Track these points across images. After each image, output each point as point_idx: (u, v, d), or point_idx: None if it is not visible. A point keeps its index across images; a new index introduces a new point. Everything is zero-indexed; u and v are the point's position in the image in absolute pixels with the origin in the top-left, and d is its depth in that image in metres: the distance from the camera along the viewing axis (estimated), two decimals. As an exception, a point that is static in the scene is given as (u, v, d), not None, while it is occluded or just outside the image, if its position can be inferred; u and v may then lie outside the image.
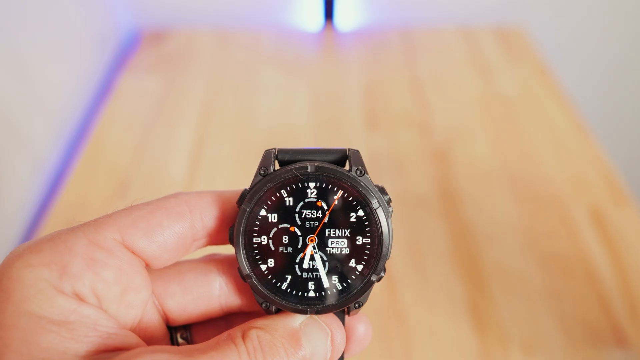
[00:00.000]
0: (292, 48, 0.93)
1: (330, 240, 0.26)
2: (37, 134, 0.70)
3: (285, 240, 0.26)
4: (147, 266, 0.26)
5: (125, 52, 0.94)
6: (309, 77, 0.87)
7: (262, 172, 0.27)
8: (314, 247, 0.26)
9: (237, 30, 0.97)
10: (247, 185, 0.27)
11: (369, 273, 0.26)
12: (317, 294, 0.26)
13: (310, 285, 0.26)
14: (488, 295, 0.57)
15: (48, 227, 0.64)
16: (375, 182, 0.27)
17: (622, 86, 1.12)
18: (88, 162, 0.72)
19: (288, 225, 0.26)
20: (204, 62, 0.90)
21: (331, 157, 0.27)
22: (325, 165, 0.26)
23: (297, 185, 0.26)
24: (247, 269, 0.26)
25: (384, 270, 0.27)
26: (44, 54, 0.72)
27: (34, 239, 0.24)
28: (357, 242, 0.26)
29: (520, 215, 0.65)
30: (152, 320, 0.27)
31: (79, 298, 0.23)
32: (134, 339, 0.24)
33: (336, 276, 0.27)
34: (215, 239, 0.27)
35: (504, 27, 0.98)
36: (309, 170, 0.26)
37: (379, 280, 0.26)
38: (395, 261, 0.60)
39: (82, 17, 0.84)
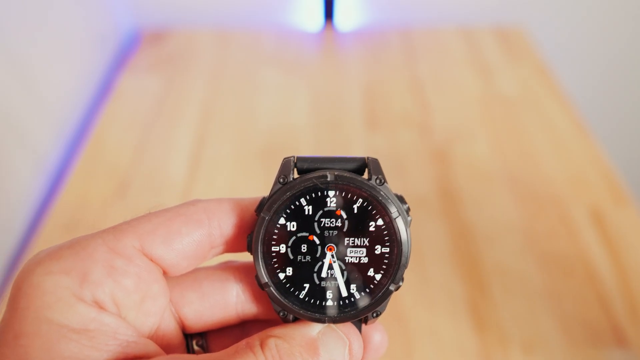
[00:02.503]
0: (292, 48, 0.93)
1: (349, 249, 0.26)
2: (37, 134, 0.70)
3: (304, 249, 0.26)
4: (165, 274, 0.26)
5: (125, 52, 0.94)
6: (309, 77, 0.87)
7: (281, 180, 0.26)
8: (332, 256, 0.26)
9: (237, 30, 0.97)
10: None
11: (387, 282, 0.26)
12: (335, 302, 0.26)
13: (328, 294, 0.26)
14: (488, 295, 0.57)
15: (48, 227, 0.64)
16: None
17: (622, 86, 1.12)
18: (88, 162, 0.72)
19: (307, 234, 0.26)
20: (204, 62, 0.90)
21: (350, 166, 0.27)
22: (345, 174, 0.26)
23: (316, 194, 0.26)
24: (265, 278, 0.26)
25: (402, 280, 0.26)
26: (44, 54, 0.72)
27: (53, 246, 0.24)
28: (376, 251, 0.26)
29: (520, 215, 0.65)
30: (169, 327, 0.27)
31: (99, 306, 0.23)
32: (152, 347, 0.24)
33: (354, 285, 0.26)
34: (232, 246, 0.27)
35: (504, 27, 0.98)
36: (328, 179, 0.26)
37: (397, 289, 0.26)
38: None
39: (82, 17, 0.84)
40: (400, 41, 0.95)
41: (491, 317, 0.55)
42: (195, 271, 0.28)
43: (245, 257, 0.28)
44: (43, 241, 0.62)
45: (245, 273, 0.28)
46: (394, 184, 0.69)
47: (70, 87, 0.79)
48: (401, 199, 0.27)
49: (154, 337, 0.26)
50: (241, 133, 0.77)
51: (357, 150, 0.74)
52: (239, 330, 0.29)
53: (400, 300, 0.57)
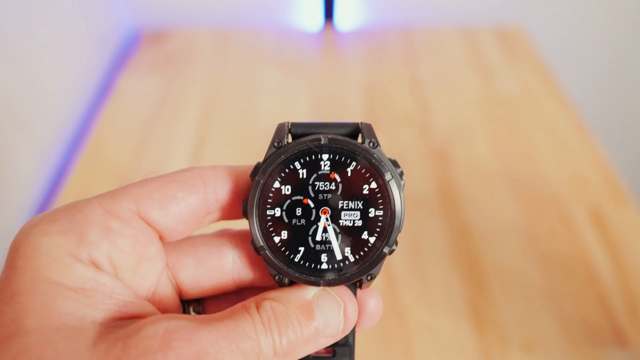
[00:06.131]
0: (292, 48, 0.93)
1: (343, 213, 0.26)
2: (37, 134, 0.70)
3: (299, 213, 0.26)
4: (161, 239, 0.26)
5: (125, 52, 0.94)
6: (309, 77, 0.87)
7: (275, 144, 0.26)
8: (327, 219, 0.26)
9: (237, 30, 0.97)
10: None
11: (381, 245, 0.26)
12: (330, 266, 0.26)
13: (323, 257, 0.26)
14: (488, 295, 0.57)
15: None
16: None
17: (622, 86, 1.12)
18: (88, 162, 0.72)
19: (301, 197, 0.26)
20: (204, 62, 0.90)
21: (344, 131, 0.27)
22: (339, 137, 0.26)
23: (310, 157, 0.26)
24: (260, 241, 0.26)
25: (396, 243, 0.26)
26: (44, 54, 0.72)
27: (50, 210, 0.24)
28: (370, 215, 0.26)
29: (520, 215, 0.65)
30: (166, 292, 0.27)
31: (96, 266, 0.23)
32: (149, 307, 0.24)
33: (349, 248, 0.26)
34: (228, 213, 0.27)
35: (504, 27, 0.98)
36: (322, 142, 0.26)
37: (391, 252, 0.26)
38: (395, 261, 0.60)
39: (82, 17, 0.84)
40: (400, 41, 0.95)
41: (491, 317, 0.55)
42: (192, 238, 0.28)
43: (242, 225, 0.27)
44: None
45: (241, 240, 0.28)
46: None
47: (71, 87, 0.79)
48: (395, 163, 0.27)
49: (151, 301, 0.26)
50: (241, 133, 0.77)
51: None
52: (235, 296, 0.29)
53: (400, 300, 0.57)
